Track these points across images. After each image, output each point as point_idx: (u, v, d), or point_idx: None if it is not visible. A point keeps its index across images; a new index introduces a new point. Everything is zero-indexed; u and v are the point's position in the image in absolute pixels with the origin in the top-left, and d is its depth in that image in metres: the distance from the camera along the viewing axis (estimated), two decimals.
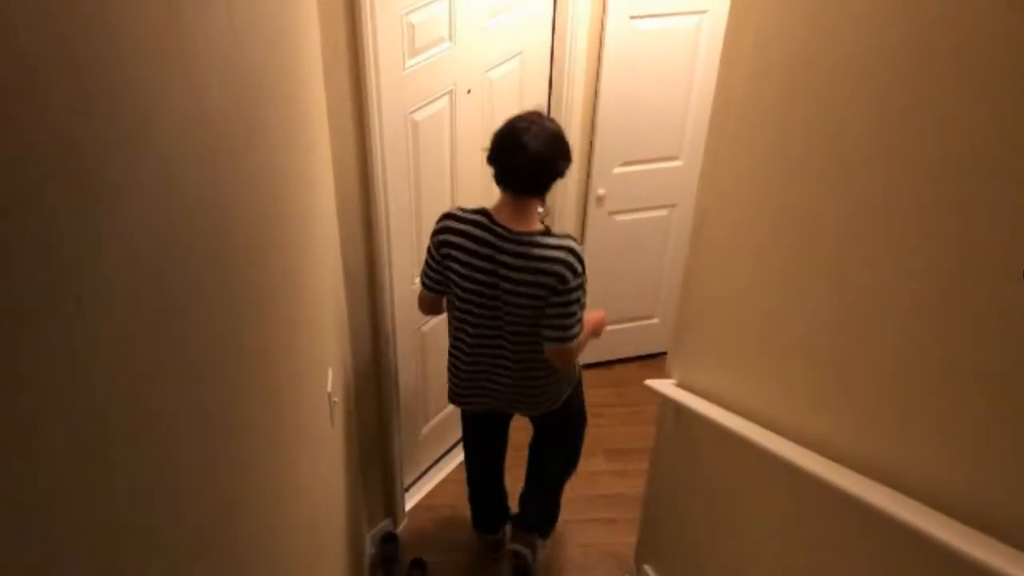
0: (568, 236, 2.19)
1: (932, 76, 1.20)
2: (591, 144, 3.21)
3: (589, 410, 3.33)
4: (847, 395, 1.51)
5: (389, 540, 2.92)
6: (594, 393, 3.61)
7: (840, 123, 1.45)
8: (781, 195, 1.71)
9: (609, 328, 3.74)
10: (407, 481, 3.15)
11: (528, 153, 2.05)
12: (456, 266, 2.19)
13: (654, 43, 3.01)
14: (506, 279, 2.15)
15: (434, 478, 3.28)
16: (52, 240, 0.44)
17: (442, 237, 2.19)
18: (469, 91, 2.62)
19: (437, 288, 2.28)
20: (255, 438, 1.02)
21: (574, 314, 2.17)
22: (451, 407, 3.23)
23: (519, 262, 2.12)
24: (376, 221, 2.37)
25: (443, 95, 2.53)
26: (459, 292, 2.23)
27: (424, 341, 2.93)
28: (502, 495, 2.94)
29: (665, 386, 2.27)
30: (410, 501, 3.16)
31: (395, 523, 3.05)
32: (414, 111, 2.43)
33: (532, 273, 2.12)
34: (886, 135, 1.32)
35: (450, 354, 2.43)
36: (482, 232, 2.15)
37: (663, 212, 3.48)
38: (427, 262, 2.27)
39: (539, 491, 2.88)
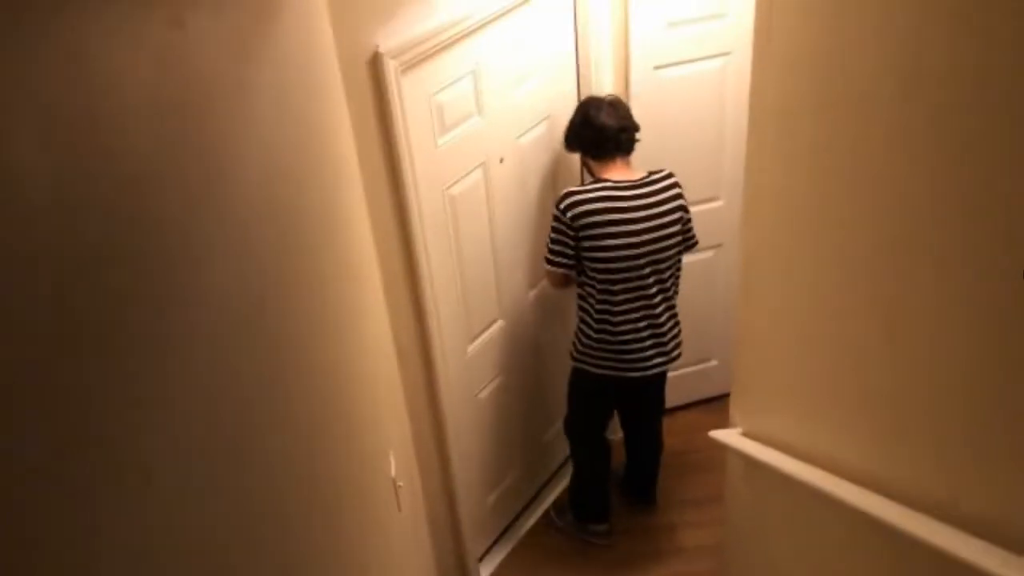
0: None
1: (991, 94, 1.17)
2: None
3: None
4: (912, 438, 1.45)
5: None
6: None
7: (884, 160, 1.43)
8: (826, 234, 1.68)
9: (668, 375, 3.70)
10: (479, 552, 3.11)
11: (613, 125, 2.55)
12: (603, 231, 2.50)
13: (681, 90, 3.02)
14: (655, 217, 2.54)
15: (506, 546, 3.23)
16: (121, 419, 0.46)
17: (578, 210, 2.50)
18: (502, 160, 2.66)
19: (572, 264, 2.59)
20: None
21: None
22: (517, 473, 3.22)
23: (656, 199, 2.56)
24: (423, 297, 2.39)
25: (477, 167, 2.57)
26: (613, 255, 2.53)
27: (482, 409, 2.92)
28: None
29: (731, 436, 2.22)
30: (484, 571, 3.12)
31: None
32: (450, 186, 2.47)
33: (670, 201, 2.57)
34: (935, 173, 1.29)
35: (602, 330, 2.65)
36: (617, 192, 2.53)
37: (709, 253, 3.44)
38: (560, 242, 2.57)
39: (654, 462, 3.17)
